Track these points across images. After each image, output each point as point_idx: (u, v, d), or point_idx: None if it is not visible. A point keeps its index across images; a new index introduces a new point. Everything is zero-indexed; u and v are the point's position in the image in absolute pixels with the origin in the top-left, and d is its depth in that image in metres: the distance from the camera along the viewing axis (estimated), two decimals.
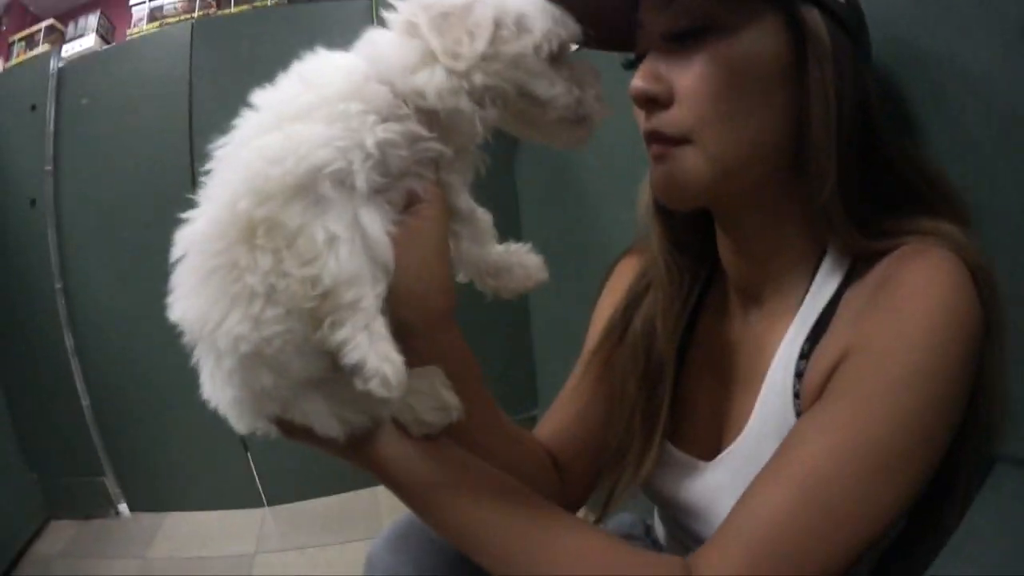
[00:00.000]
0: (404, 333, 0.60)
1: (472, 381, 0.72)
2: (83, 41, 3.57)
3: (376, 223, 0.58)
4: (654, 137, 0.73)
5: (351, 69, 0.61)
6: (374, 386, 0.54)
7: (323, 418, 0.61)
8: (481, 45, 0.60)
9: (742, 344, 0.83)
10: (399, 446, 0.64)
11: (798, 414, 0.70)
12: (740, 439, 0.76)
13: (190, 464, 2.81)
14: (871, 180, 0.70)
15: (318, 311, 0.54)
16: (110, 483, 2.81)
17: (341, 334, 0.54)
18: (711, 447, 0.82)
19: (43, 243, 2.71)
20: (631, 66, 0.77)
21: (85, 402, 2.76)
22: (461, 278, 0.71)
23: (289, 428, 0.64)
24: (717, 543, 0.62)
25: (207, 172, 0.61)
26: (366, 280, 0.56)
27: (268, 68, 2.10)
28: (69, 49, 3.53)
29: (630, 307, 0.91)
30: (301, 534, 2.60)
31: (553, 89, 0.65)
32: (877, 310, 0.64)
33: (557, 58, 0.65)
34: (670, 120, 0.71)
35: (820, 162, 0.68)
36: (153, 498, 2.86)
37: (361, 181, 0.56)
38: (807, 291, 0.74)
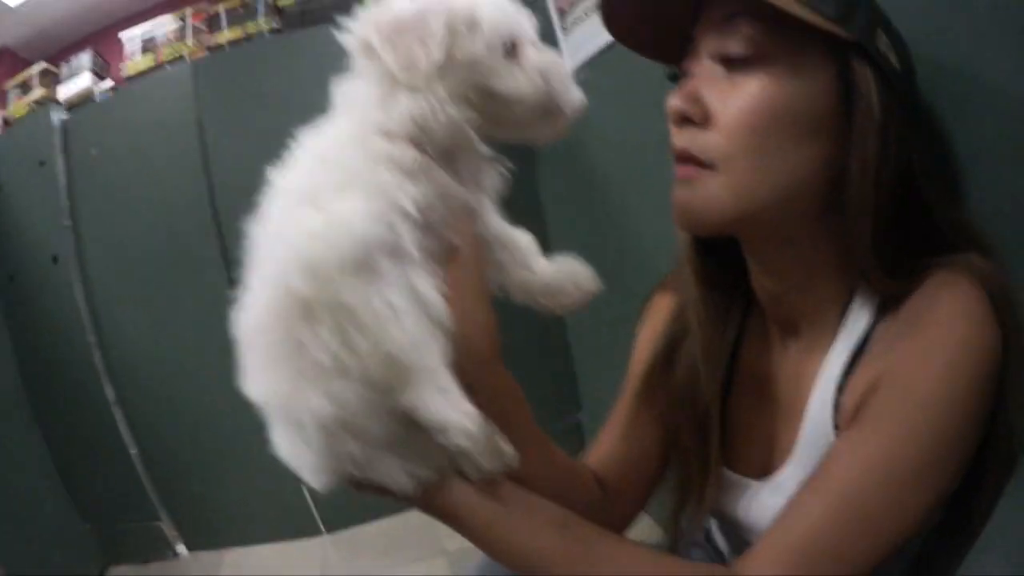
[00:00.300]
0: (453, 376, 0.63)
1: (523, 419, 0.75)
2: (78, 81, 3.59)
3: (429, 285, 0.60)
4: (683, 157, 0.74)
5: (359, 137, 0.63)
6: (458, 439, 0.59)
7: (397, 475, 0.64)
8: (436, 54, 0.61)
9: (781, 370, 0.87)
10: (461, 491, 0.68)
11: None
12: (789, 465, 0.81)
13: (244, 499, 2.86)
14: (905, 229, 0.72)
15: (391, 378, 0.57)
16: (166, 526, 2.87)
17: (417, 397, 0.58)
18: (761, 466, 0.86)
19: (70, 298, 2.75)
20: (675, 79, 0.78)
21: (133, 450, 2.81)
22: (515, 300, 0.74)
23: (361, 484, 0.67)
24: (760, 550, 0.67)
25: (245, 253, 0.64)
26: (430, 342, 0.59)
27: (274, 98, 2.12)
28: (66, 91, 3.54)
29: (669, 353, 0.93)
30: (364, 559, 2.63)
31: (516, 83, 0.65)
32: (905, 343, 0.68)
33: (514, 51, 0.65)
34: (704, 143, 0.72)
35: (855, 219, 0.70)
36: (211, 536, 2.91)
37: (412, 248, 0.58)
38: (840, 326, 0.78)
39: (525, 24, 0.67)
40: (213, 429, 2.76)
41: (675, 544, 0.95)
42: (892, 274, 0.71)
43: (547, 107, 0.67)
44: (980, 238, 0.72)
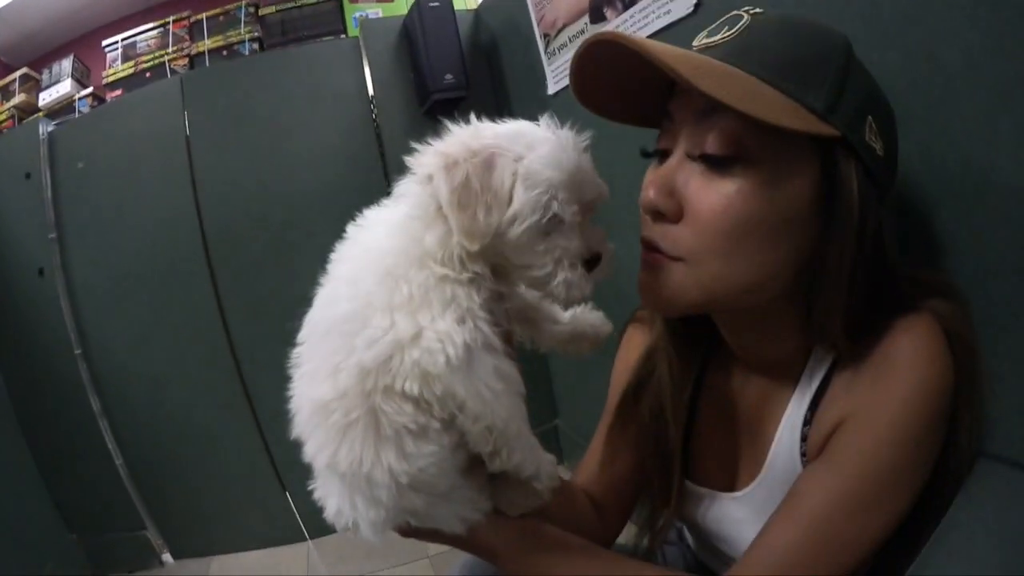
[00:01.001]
0: None
1: None
2: (59, 88, 3.66)
3: (512, 367, 0.70)
4: (651, 246, 0.77)
5: (420, 260, 0.67)
6: (547, 482, 0.74)
7: (450, 521, 0.74)
8: (495, 221, 0.65)
9: (744, 397, 0.95)
10: (498, 527, 0.79)
11: (804, 467, 0.83)
12: (756, 483, 0.89)
13: (229, 506, 2.95)
14: (872, 290, 0.76)
15: (496, 445, 0.68)
16: (152, 535, 2.95)
17: (516, 458, 0.70)
18: (726, 482, 0.95)
19: (57, 311, 2.81)
20: (648, 156, 0.82)
21: (119, 460, 2.88)
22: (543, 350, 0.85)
23: (412, 531, 0.77)
24: (743, 569, 0.77)
25: (299, 341, 0.72)
26: (519, 411, 0.70)
27: (262, 115, 2.22)
28: (47, 97, 3.61)
29: (637, 390, 1.01)
30: (348, 565, 2.73)
31: (539, 268, 0.69)
32: (868, 383, 0.76)
33: (553, 225, 0.68)
34: (673, 238, 0.75)
35: (828, 302, 0.75)
36: (196, 544, 2.99)
37: (496, 341, 0.67)
38: (803, 367, 0.85)
39: (589, 191, 0.70)
40: (197, 439, 2.86)
41: (652, 544, 1.05)
42: (855, 335, 0.76)
43: (557, 296, 0.71)
44: (943, 286, 0.78)
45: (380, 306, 0.65)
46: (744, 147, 0.70)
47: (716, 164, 0.72)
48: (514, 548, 0.80)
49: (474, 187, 0.64)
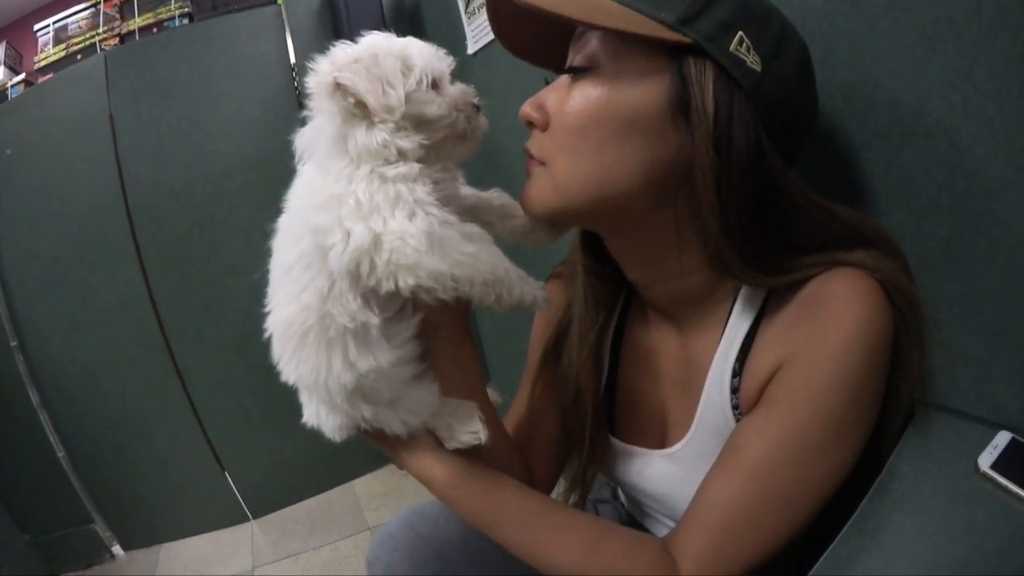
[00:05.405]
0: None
1: (485, 400, 0.95)
2: None
3: (472, 226, 0.81)
4: (528, 153, 0.90)
5: (365, 171, 0.78)
6: (540, 306, 0.85)
7: (393, 424, 0.87)
8: (402, 92, 0.78)
9: (665, 349, 1.02)
10: (440, 456, 0.90)
11: (737, 419, 0.88)
12: (686, 440, 0.95)
13: (172, 491, 3.19)
14: (779, 224, 0.82)
15: (496, 292, 0.80)
16: (100, 527, 3.19)
17: (516, 293, 0.81)
18: (656, 439, 1.02)
19: None
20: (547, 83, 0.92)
21: (61, 453, 3.09)
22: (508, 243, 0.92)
23: (369, 434, 0.90)
24: (685, 531, 0.81)
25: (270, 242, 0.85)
26: (498, 255, 0.81)
27: (184, 89, 2.51)
28: None
29: (558, 345, 1.12)
30: (292, 541, 2.98)
31: (440, 110, 0.82)
32: (803, 326, 0.80)
33: (436, 86, 0.83)
34: (538, 142, 0.88)
35: (703, 212, 0.80)
36: (144, 534, 3.25)
37: (450, 216, 0.78)
38: (727, 313, 0.91)
39: (444, 63, 0.84)
40: (133, 423, 3.09)
41: (582, 501, 1.14)
42: (760, 268, 0.82)
43: (461, 132, 0.85)
44: (876, 235, 0.84)
45: (330, 227, 0.75)
46: (597, 60, 0.82)
47: (573, 74, 0.85)
48: (453, 477, 0.89)
49: (375, 73, 0.77)
